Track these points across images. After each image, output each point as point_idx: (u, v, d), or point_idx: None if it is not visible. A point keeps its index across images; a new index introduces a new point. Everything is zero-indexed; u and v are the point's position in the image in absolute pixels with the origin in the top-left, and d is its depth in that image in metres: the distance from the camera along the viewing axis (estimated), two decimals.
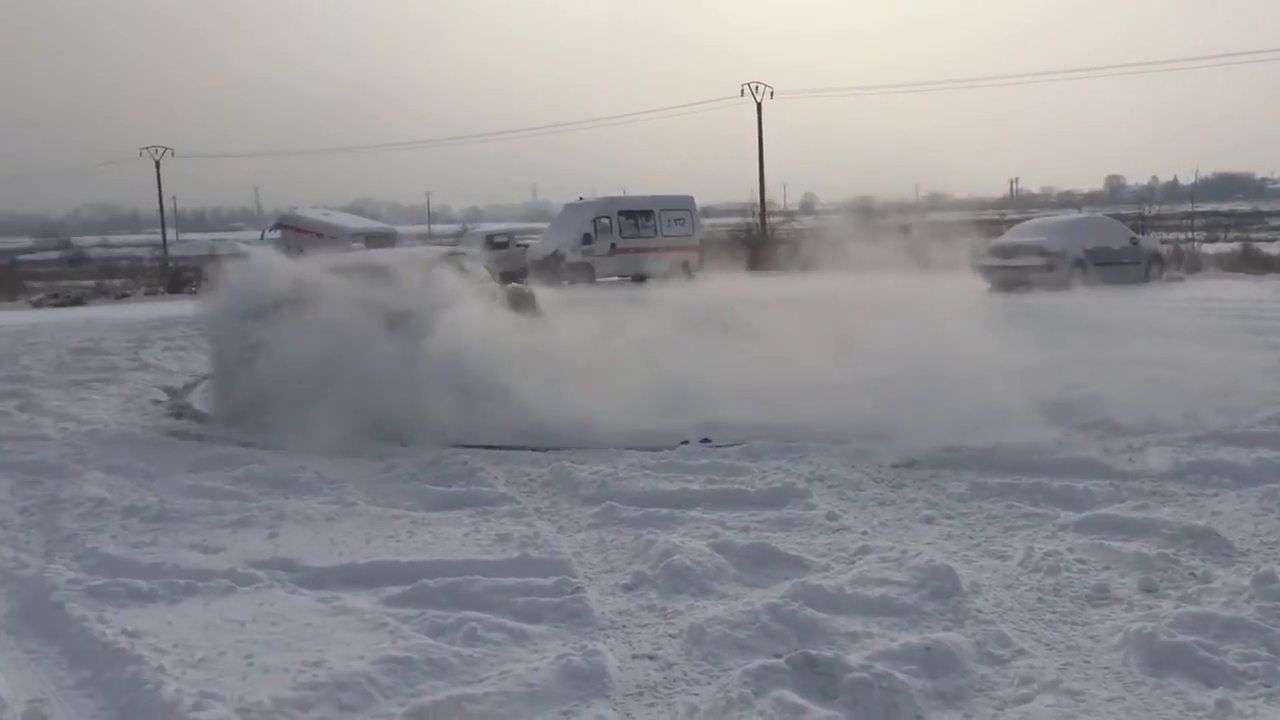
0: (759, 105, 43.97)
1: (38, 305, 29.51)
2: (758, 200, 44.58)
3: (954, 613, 4.53)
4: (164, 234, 58.56)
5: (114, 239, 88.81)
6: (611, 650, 4.30)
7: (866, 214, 59.35)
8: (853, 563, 5.22)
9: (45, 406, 10.66)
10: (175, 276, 36.86)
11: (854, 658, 3.99)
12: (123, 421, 9.94)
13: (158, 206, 57.68)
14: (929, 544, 5.49)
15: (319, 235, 30.92)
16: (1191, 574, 4.91)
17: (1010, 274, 22.19)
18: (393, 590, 5.03)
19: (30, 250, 75.29)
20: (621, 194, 35.37)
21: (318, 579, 5.24)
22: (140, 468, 7.73)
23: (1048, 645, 4.21)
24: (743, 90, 44.80)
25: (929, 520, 5.99)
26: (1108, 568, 5.01)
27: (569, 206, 33.60)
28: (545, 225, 37.37)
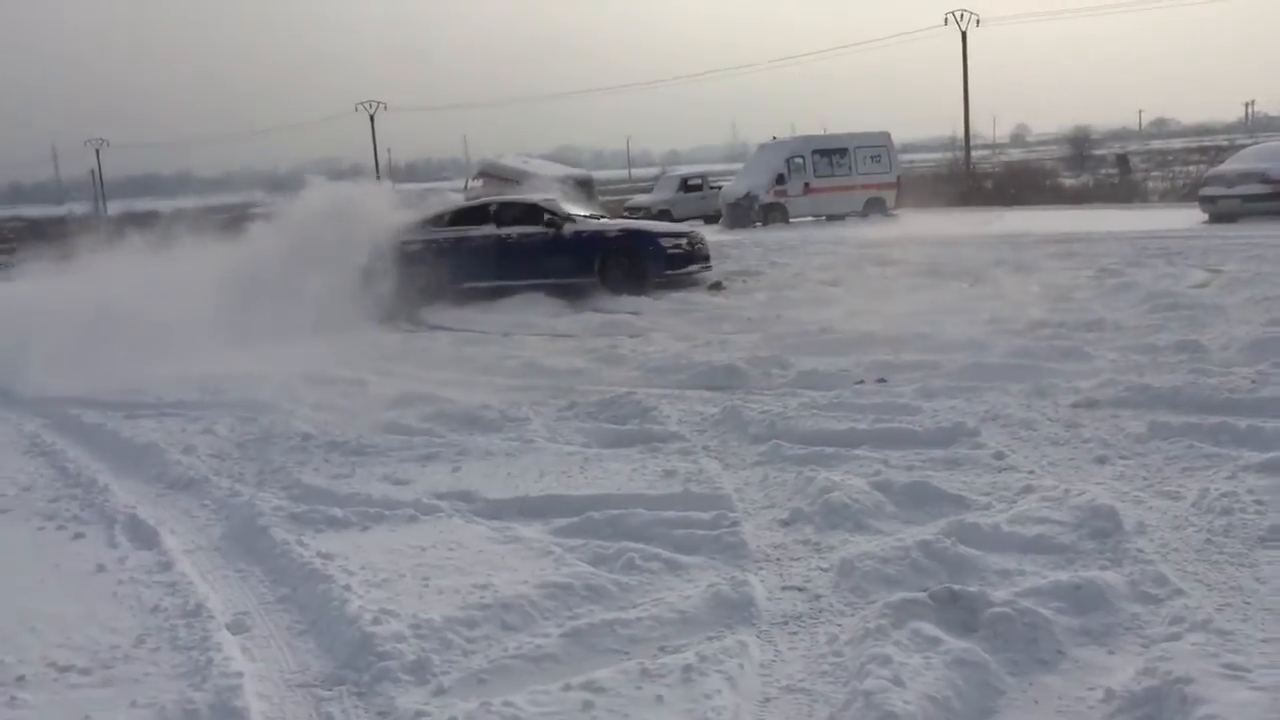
0: (964, 34, 42.26)
1: None
2: (962, 134, 42.93)
3: (1112, 552, 4.46)
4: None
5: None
6: (762, 581, 4.45)
7: (1083, 144, 56.37)
8: (1014, 502, 5.18)
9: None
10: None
11: (999, 594, 4.01)
12: None
13: (373, 159, 60.49)
14: (1098, 484, 5.38)
15: (518, 182, 31.75)
16: None
17: (1232, 204, 20.81)
18: (561, 521, 5.32)
19: (264, 204, 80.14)
20: (822, 132, 34.81)
21: (494, 510, 5.59)
22: (343, 405, 8.33)
23: (1208, 586, 4.11)
24: (946, 19, 43.12)
25: (1102, 460, 5.85)
26: None
27: (763, 147, 33.34)
28: (741, 166, 37.16)
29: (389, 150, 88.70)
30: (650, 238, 16.08)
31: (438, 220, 15.68)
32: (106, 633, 4.26)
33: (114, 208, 76.71)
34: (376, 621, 4.06)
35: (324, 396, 8.70)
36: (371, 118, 58.35)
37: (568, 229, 15.61)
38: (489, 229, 15.54)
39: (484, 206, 16.05)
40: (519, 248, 15.40)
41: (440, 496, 5.79)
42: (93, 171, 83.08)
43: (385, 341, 12.03)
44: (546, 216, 15.66)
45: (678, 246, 16.01)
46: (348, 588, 4.46)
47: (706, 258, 16.37)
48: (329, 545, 5.08)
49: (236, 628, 4.27)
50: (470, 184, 35.07)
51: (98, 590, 4.76)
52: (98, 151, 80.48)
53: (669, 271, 15.61)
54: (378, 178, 60.61)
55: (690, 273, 15.96)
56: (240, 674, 3.79)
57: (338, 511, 5.56)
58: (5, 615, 4.47)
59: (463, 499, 5.76)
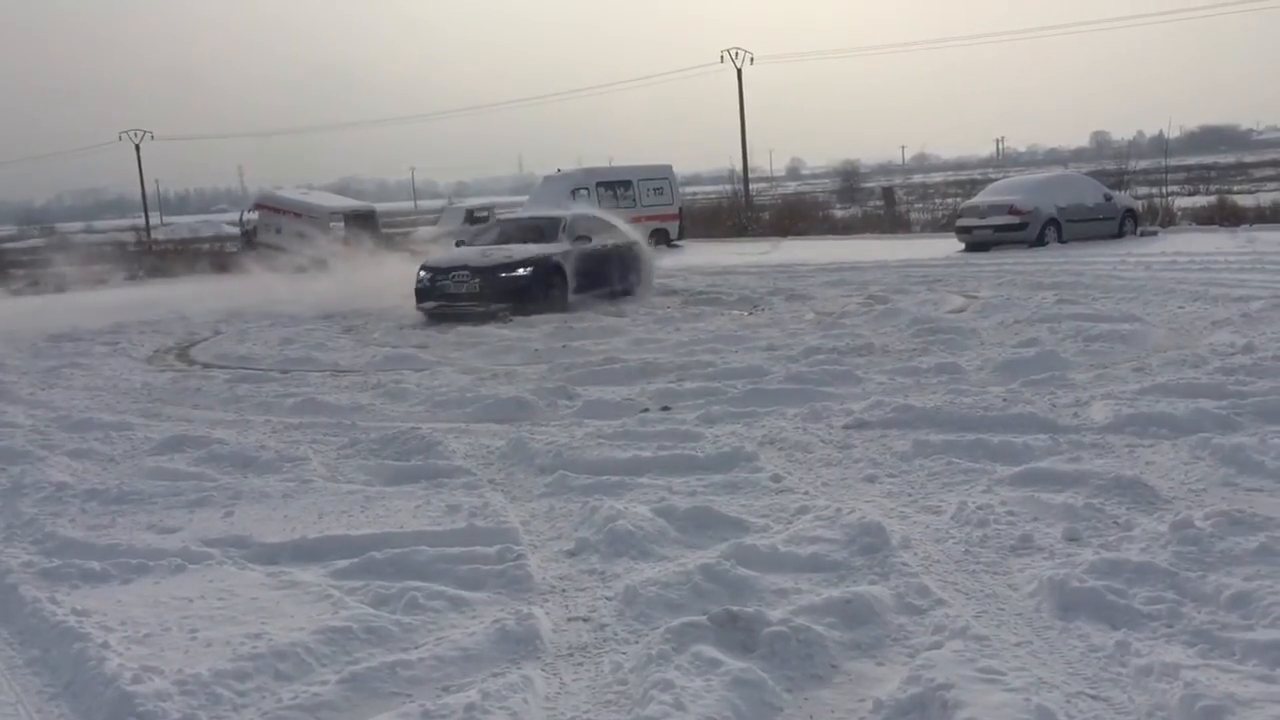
0: (739, 71, 43.80)
1: (17, 294, 29.45)
2: (740, 168, 44.40)
3: (880, 567, 4.67)
4: (146, 217, 58.44)
5: (99, 224, 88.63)
6: (547, 614, 4.43)
7: (852, 177, 59.20)
8: (790, 523, 5.36)
9: (16, 394, 10.76)
10: (157, 260, 36.76)
11: (776, 613, 4.12)
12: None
13: (140, 190, 57.51)
14: (868, 502, 5.64)
15: (298, 215, 30.85)
16: (1115, 522, 5.06)
17: (984, 234, 22.33)
18: (341, 563, 5.15)
19: (14, 238, 74.99)
20: (607, 164, 35.32)
21: (269, 555, 5.36)
22: (103, 451, 7.84)
23: (966, 595, 4.36)
24: (722, 57, 44.61)
25: (871, 479, 6.13)
26: (1035, 519, 5.16)
27: (548, 179, 33.53)
28: (527, 198, 37.28)
29: (157, 181, 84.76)
30: None
31: None
32: None
33: None
34: (137, 680, 3.81)
35: (82, 443, 8.15)
36: (137, 147, 55.47)
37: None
38: None
39: None
40: None
41: (210, 543, 5.50)
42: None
43: (154, 381, 11.41)
44: None
45: None
46: (105, 645, 4.17)
47: None
48: (85, 601, 4.75)
49: None
50: (246, 216, 33.92)
51: None
52: None
53: None
54: (145, 208, 57.79)
55: None
56: None
57: (95, 565, 5.20)
58: None
59: (235, 545, 5.49)
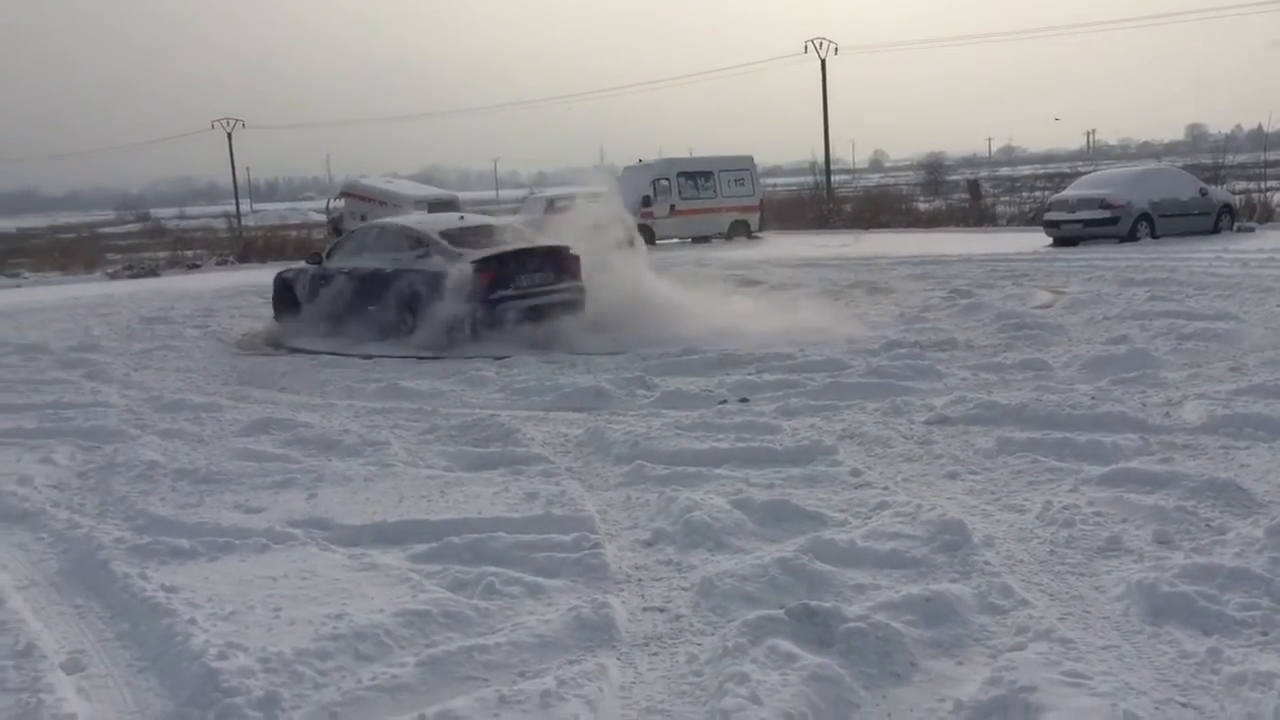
0: (823, 62, 43.34)
1: (114, 277, 30.32)
2: (822, 159, 43.98)
3: (962, 565, 4.59)
4: (237, 204, 59.75)
5: (191, 210, 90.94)
6: (623, 603, 4.43)
7: (937, 170, 58.33)
8: (869, 518, 5.29)
9: (111, 375, 11.08)
10: (247, 246, 37.57)
11: (854, 608, 4.07)
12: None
13: (231, 178, 58.85)
14: (949, 499, 5.54)
15: (382, 203, 31.30)
16: (1208, 526, 4.90)
17: (1074, 228, 21.84)
18: (420, 547, 5.21)
19: (111, 223, 77.38)
20: (688, 155, 35.28)
21: (350, 537, 5.44)
22: (193, 431, 8.03)
23: (1051, 596, 4.26)
24: (806, 47, 44.18)
25: (953, 476, 6.03)
26: (1124, 520, 5.02)
27: (629, 169, 33.57)
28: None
29: (248, 169, 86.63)
30: None
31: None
32: None
33: None
34: (222, 656, 3.90)
35: (173, 423, 8.37)
36: (229, 135, 56.66)
37: None
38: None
39: None
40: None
41: (294, 524, 5.61)
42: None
43: (243, 365, 11.66)
44: None
45: None
46: (192, 621, 4.27)
47: None
48: (174, 578, 4.87)
49: (71, 667, 4.04)
50: (333, 204, 34.50)
51: None
52: None
53: None
54: (235, 196, 59.13)
55: None
56: (74, 715, 3.60)
57: (184, 542, 5.33)
58: None
59: (318, 526, 5.59)
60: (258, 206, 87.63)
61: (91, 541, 5.38)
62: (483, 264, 12.28)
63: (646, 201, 31.11)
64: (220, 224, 55.55)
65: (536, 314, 12.21)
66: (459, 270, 12.22)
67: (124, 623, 4.47)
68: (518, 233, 13.67)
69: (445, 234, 13.08)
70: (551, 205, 36.83)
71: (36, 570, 5.24)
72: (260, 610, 4.46)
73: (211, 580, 4.85)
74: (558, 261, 12.90)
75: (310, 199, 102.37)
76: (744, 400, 8.32)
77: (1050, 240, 22.48)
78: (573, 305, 12.65)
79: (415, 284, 12.58)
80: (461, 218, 14.38)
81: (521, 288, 12.42)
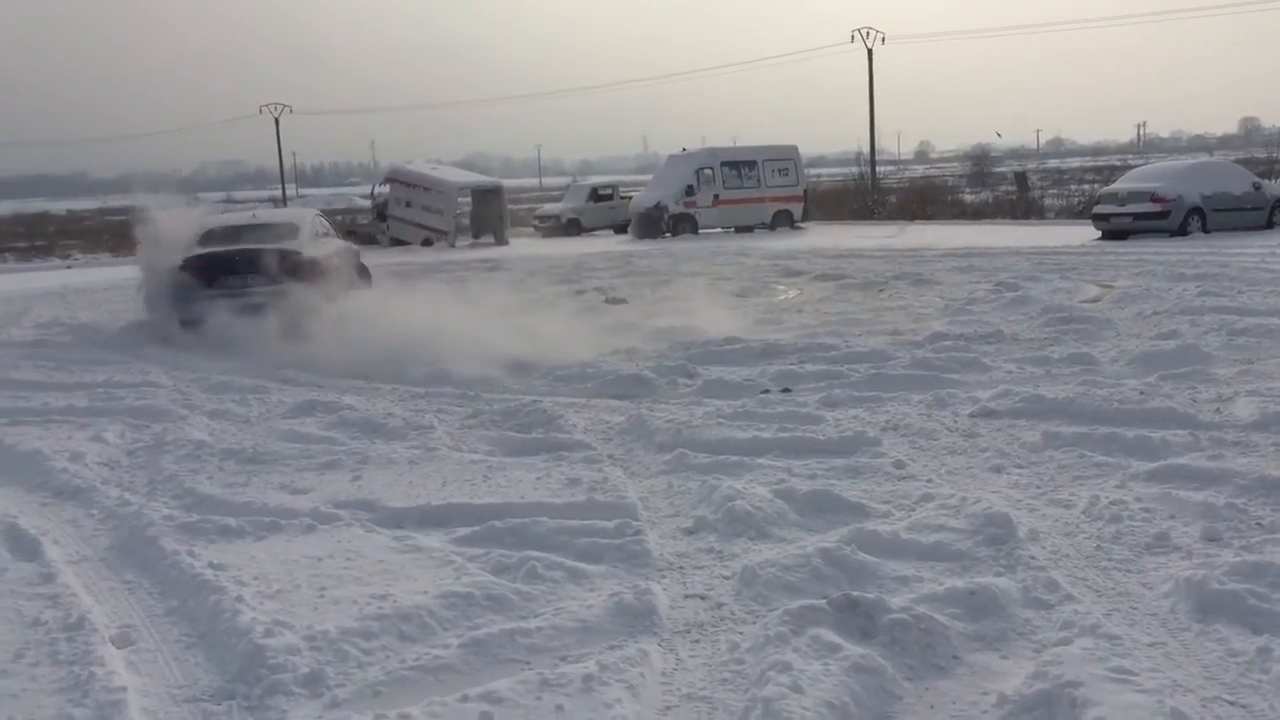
0: (869, 52, 42.98)
1: None
2: (867, 150, 43.67)
3: (1006, 559, 4.55)
4: (283, 189, 60.37)
5: (238, 194, 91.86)
6: (665, 590, 4.44)
7: (983, 161, 57.59)
8: (913, 510, 5.26)
9: (160, 357, 11.23)
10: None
11: (897, 600, 4.05)
12: None
13: (278, 162, 59.42)
14: (994, 492, 5.50)
15: (426, 189, 31.49)
16: (1259, 524, 4.83)
17: (1123, 221, 21.55)
18: (463, 530, 5.25)
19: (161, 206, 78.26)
20: (731, 145, 35.21)
21: (394, 519, 5.49)
22: (240, 412, 8.13)
23: (1097, 592, 4.21)
24: (853, 37, 43.83)
25: (998, 469, 5.98)
26: (1172, 517, 4.96)
27: (672, 158, 33.55)
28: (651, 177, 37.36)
29: (294, 154, 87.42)
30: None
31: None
32: None
33: (4, 208, 74.08)
34: (269, 633, 3.95)
35: (220, 404, 8.48)
36: (276, 120, 57.22)
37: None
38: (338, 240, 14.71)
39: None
40: None
41: (340, 505, 5.67)
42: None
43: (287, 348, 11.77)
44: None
45: None
46: (240, 599, 4.33)
47: None
48: (221, 556, 4.94)
49: (121, 641, 4.11)
50: (378, 189, 34.76)
51: None
52: None
53: None
54: (282, 181, 59.68)
55: None
56: (124, 689, 3.65)
57: (231, 521, 5.41)
58: None
59: (363, 508, 5.65)
60: (304, 191, 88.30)
61: (141, 518, 5.46)
62: (187, 263, 12.31)
63: (689, 190, 31.09)
64: (267, 208, 56.03)
65: (244, 316, 11.67)
66: (170, 268, 12.37)
67: (173, 599, 4.54)
68: (282, 233, 13.10)
69: (209, 233, 13.05)
70: (595, 193, 36.99)
71: (88, 546, 5.33)
72: (306, 589, 4.51)
73: (258, 559, 4.91)
74: (285, 266, 12.21)
75: (355, 184, 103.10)
76: (787, 390, 8.29)
77: (1099, 234, 22.19)
78: (287, 311, 11.60)
79: (156, 280, 12.82)
80: (253, 215, 14.26)
81: (228, 289, 12.12)
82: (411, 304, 12.60)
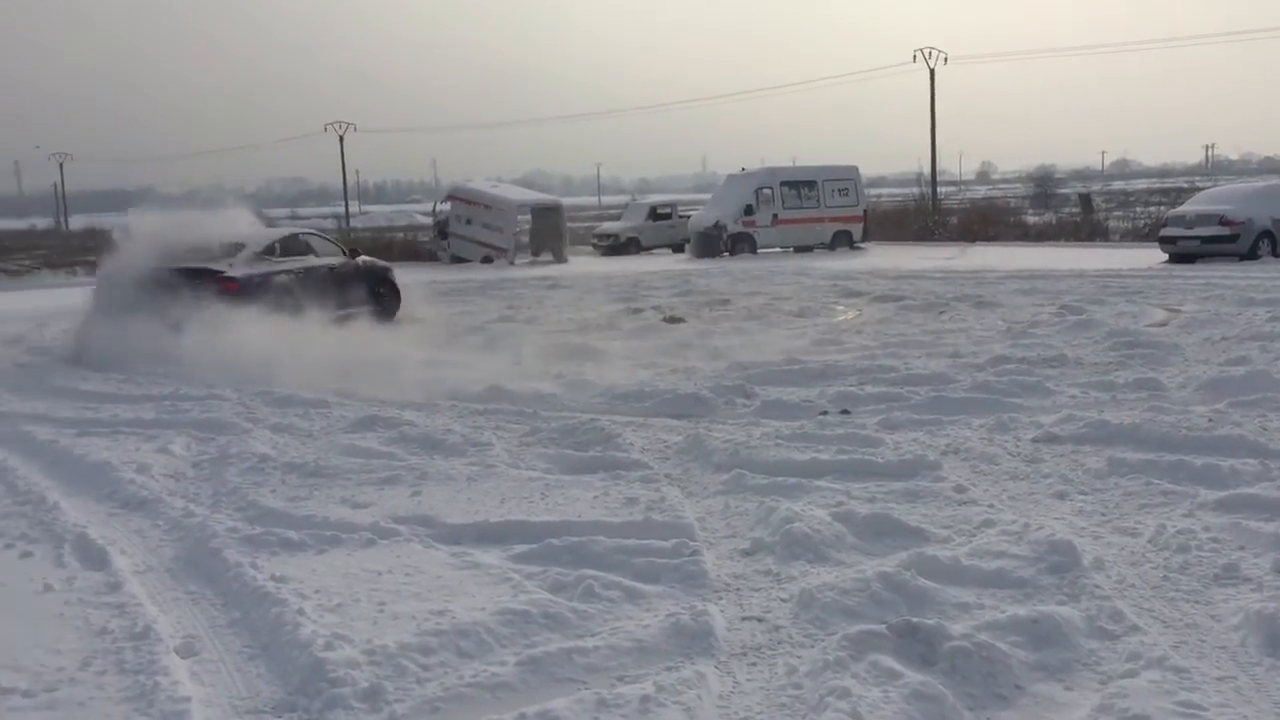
0: (932, 72, 42.76)
1: None
2: (928, 170, 43.35)
3: (1070, 587, 4.47)
4: (346, 206, 61.19)
5: (303, 211, 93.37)
6: (722, 611, 4.42)
7: (1047, 183, 56.95)
8: (974, 535, 5.19)
9: None
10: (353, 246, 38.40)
11: (958, 627, 4.00)
12: None
13: (342, 180, 60.33)
14: (1057, 519, 5.41)
15: (487, 206, 31.76)
16: None
17: (1191, 245, 21.18)
18: (521, 548, 5.27)
19: None
20: (791, 165, 35.16)
21: (453, 535, 5.53)
22: (302, 426, 8.25)
23: (1165, 623, 4.12)
24: (915, 56, 43.64)
25: (1061, 495, 5.88)
26: (1242, 548, 4.85)
27: (731, 178, 33.56)
28: (710, 196, 37.41)
29: (357, 171, 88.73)
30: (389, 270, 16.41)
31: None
32: (51, 654, 4.16)
33: (76, 222, 76.01)
34: (329, 647, 3.99)
35: (283, 418, 8.61)
36: (340, 138, 58.15)
37: (361, 260, 15.67)
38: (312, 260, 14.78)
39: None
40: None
41: (399, 520, 5.71)
42: (55, 186, 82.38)
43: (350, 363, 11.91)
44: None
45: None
46: (301, 612, 4.38)
47: None
48: (283, 568, 5.00)
49: (185, 651, 4.18)
50: (439, 207, 35.11)
51: (44, 610, 4.65)
52: (61, 166, 79.79)
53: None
54: (345, 198, 60.56)
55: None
56: (188, 699, 3.71)
57: (293, 534, 5.47)
58: None
59: (422, 523, 5.69)
60: (366, 208, 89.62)
61: (205, 530, 5.55)
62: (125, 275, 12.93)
63: (749, 210, 31.08)
64: (330, 224, 56.90)
65: (158, 331, 11.99)
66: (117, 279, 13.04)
67: (235, 610, 4.60)
68: (221, 252, 13.38)
69: (167, 248, 13.21)
70: (654, 212, 37.10)
71: (153, 556, 5.42)
72: (365, 603, 4.56)
73: (319, 572, 4.97)
74: (206, 285, 12.62)
75: (417, 201, 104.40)
76: (845, 412, 8.24)
77: (1166, 257, 21.84)
78: (198, 329, 11.77)
79: (105, 290, 13.38)
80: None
81: (155, 305, 12.32)
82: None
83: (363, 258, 15.99)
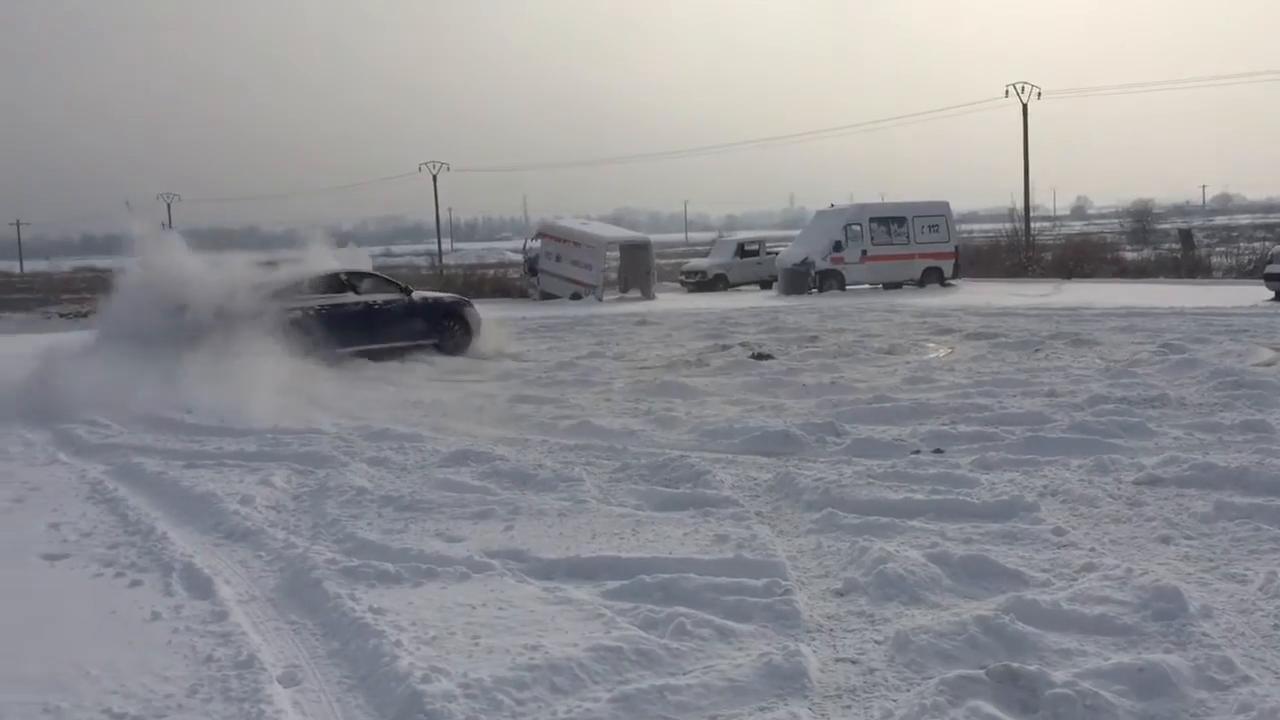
0: (1025, 107, 42.18)
1: None
2: (1021, 206, 42.67)
3: (1177, 635, 4.35)
4: (439, 243, 62.41)
5: (396, 248, 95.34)
6: (815, 652, 4.39)
7: (1145, 218, 55.56)
8: (1075, 580, 5.08)
9: (324, 404, 11.70)
10: (446, 283, 39.07)
11: (1060, 674, 3.92)
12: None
13: (435, 217, 61.54)
14: (1162, 564, 5.27)
15: (576, 244, 32.10)
16: None
17: None
18: (612, 584, 5.29)
19: None
20: (880, 201, 34.94)
21: (545, 570, 5.57)
22: (398, 460, 8.40)
23: (1276, 674, 3.99)
24: (1007, 91, 43.08)
25: (1166, 540, 5.73)
26: None
27: (820, 214, 33.45)
28: (798, 233, 37.32)
29: (450, 209, 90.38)
30: (467, 304, 17.12)
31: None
32: (160, 681, 4.29)
33: None
34: (426, 679, 4.05)
35: (379, 451, 8.78)
36: (434, 177, 59.37)
37: (417, 296, 16.31)
38: (351, 296, 15.65)
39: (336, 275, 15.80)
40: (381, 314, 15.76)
41: (492, 555, 5.78)
42: (163, 224, 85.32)
43: (443, 398, 12.12)
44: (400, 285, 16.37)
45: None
46: (398, 644, 4.46)
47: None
48: (381, 600, 5.09)
49: (287, 680, 4.27)
50: (530, 244, 35.59)
51: (152, 638, 4.80)
52: (169, 206, 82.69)
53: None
54: (438, 235, 61.75)
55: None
56: None
57: (390, 566, 5.57)
58: (61, 661, 4.52)
59: (514, 558, 5.75)
60: (458, 245, 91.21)
61: (306, 561, 5.68)
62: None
63: (838, 247, 30.91)
64: (423, 261, 58.05)
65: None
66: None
67: (335, 640, 4.69)
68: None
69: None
70: (741, 249, 37.12)
71: (256, 586, 5.56)
72: (461, 637, 4.61)
73: (415, 605, 5.05)
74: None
75: (507, 239, 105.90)
76: (938, 451, 8.13)
77: (1272, 294, 21.17)
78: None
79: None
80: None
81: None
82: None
83: (421, 294, 16.67)
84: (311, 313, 14.71)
